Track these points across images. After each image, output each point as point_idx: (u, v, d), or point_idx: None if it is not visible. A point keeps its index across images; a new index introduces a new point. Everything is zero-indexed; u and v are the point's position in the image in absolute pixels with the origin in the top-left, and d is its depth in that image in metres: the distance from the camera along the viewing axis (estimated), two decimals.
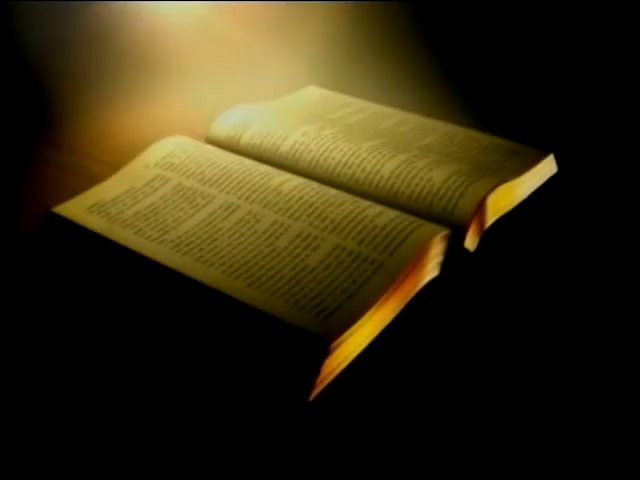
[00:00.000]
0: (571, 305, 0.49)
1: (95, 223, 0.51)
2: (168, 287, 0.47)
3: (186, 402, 0.41)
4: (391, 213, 0.50)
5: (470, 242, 0.53)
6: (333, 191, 0.53)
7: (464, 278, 0.51)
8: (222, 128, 0.64)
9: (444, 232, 0.49)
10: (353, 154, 0.58)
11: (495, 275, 0.52)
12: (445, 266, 0.51)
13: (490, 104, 0.73)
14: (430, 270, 0.50)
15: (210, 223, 0.51)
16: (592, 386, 0.43)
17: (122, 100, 0.69)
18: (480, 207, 0.53)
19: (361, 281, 0.45)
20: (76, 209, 0.53)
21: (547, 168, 0.63)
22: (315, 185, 0.54)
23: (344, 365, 0.43)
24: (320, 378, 0.41)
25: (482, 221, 0.54)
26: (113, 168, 0.58)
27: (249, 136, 0.62)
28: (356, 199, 0.52)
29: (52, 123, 0.66)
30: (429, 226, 0.49)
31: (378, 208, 0.51)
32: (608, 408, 0.41)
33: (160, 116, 0.68)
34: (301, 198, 0.52)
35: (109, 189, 0.55)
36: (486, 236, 0.55)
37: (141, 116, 0.68)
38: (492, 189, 0.54)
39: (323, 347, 0.41)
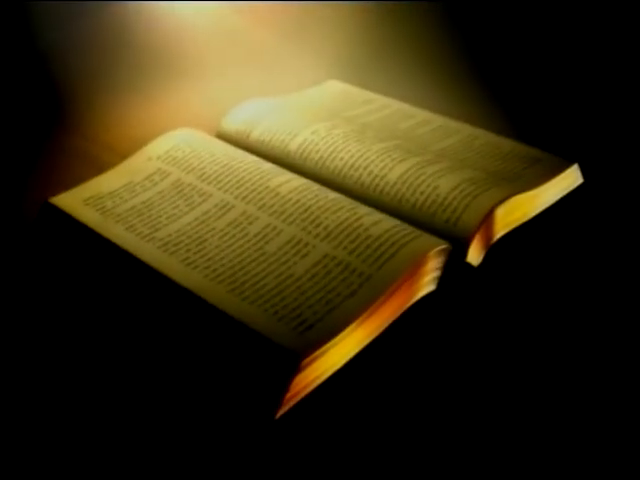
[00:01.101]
0: (582, 332, 0.46)
1: (88, 216, 0.51)
2: (150, 287, 0.46)
3: (154, 405, 0.40)
4: (388, 223, 0.48)
5: (473, 256, 0.50)
6: (333, 195, 0.51)
7: (461, 294, 0.48)
8: (233, 123, 0.62)
9: (440, 246, 0.46)
10: (361, 156, 0.56)
11: (497, 293, 0.49)
12: (444, 280, 0.48)
13: (521, 108, 0.69)
14: (425, 284, 0.47)
15: (203, 222, 0.50)
16: (594, 415, 0.40)
17: (139, 94, 0.68)
18: (487, 220, 0.50)
19: (345, 294, 0.43)
20: (72, 201, 0.52)
21: (571, 179, 0.59)
22: (316, 188, 0.52)
23: (322, 379, 0.41)
24: (290, 395, 0.39)
25: (489, 234, 0.51)
26: (122, 157, 0.58)
27: (259, 132, 0.60)
28: (355, 205, 0.50)
29: (68, 113, 0.66)
30: (425, 239, 0.47)
31: (376, 217, 0.48)
32: (607, 433, 0.39)
33: (176, 110, 0.67)
34: (298, 201, 0.50)
35: (109, 181, 0.55)
36: (494, 249, 0.52)
37: (157, 110, 0.67)
38: (502, 201, 0.51)
39: (294, 363, 0.39)
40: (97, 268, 0.48)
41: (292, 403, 0.40)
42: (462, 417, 0.40)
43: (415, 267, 0.45)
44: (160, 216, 0.51)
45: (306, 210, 0.49)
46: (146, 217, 0.51)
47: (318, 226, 0.48)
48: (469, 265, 0.50)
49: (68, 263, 0.49)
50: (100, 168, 0.57)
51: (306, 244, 0.47)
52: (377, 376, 0.43)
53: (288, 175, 0.53)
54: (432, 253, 0.46)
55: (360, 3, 0.75)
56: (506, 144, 0.61)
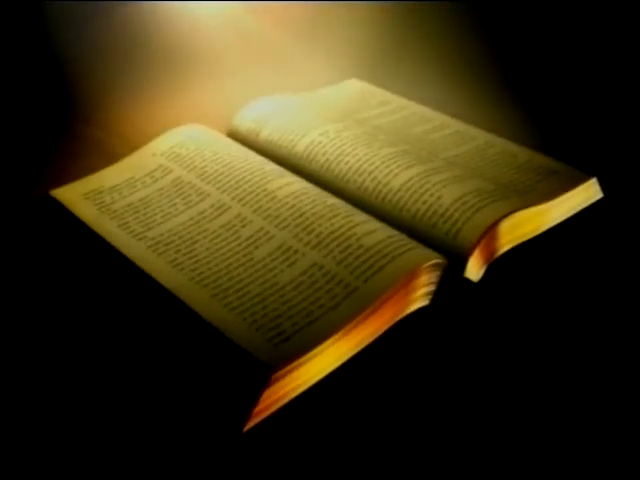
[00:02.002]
0: (587, 360, 0.44)
1: (85, 212, 0.51)
2: (136, 286, 0.45)
3: (125, 404, 0.39)
4: (383, 233, 0.46)
5: (472, 271, 0.48)
6: (331, 200, 0.50)
7: (456, 311, 0.47)
8: (243, 121, 0.61)
9: (434, 260, 0.45)
10: (367, 161, 0.54)
11: (494, 311, 0.47)
12: (439, 295, 0.47)
13: (545, 115, 0.66)
14: (416, 299, 0.46)
15: (197, 222, 0.49)
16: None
17: (152, 91, 0.68)
18: (489, 234, 0.48)
19: (328, 306, 0.42)
20: (73, 194, 0.52)
21: (589, 193, 0.56)
22: (314, 192, 0.50)
23: (299, 391, 0.40)
24: (261, 407, 0.38)
25: (491, 248, 0.49)
26: (133, 151, 0.57)
27: (268, 132, 0.59)
28: (352, 213, 0.48)
29: (83, 108, 0.66)
30: (418, 252, 0.45)
31: (371, 226, 0.47)
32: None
33: (189, 107, 0.66)
34: (294, 206, 0.49)
35: (111, 176, 0.54)
36: (498, 264, 0.50)
37: (170, 106, 0.66)
38: (507, 215, 0.49)
39: (264, 376, 0.38)
40: (88, 263, 0.48)
41: (264, 416, 0.39)
42: (449, 438, 0.38)
43: (405, 281, 0.44)
44: (155, 214, 0.50)
45: (301, 215, 0.48)
46: (141, 215, 0.50)
47: (310, 233, 0.47)
48: (468, 280, 0.48)
49: (62, 256, 0.49)
50: (109, 160, 0.57)
51: (296, 251, 0.46)
52: (361, 389, 0.41)
53: (289, 178, 0.52)
54: (424, 267, 0.44)
55: (378, 3, 0.73)
56: (523, 154, 0.58)
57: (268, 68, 0.71)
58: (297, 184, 0.51)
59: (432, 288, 0.46)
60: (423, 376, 0.42)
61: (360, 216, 0.48)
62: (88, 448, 0.37)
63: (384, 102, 0.67)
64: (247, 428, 0.38)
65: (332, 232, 0.46)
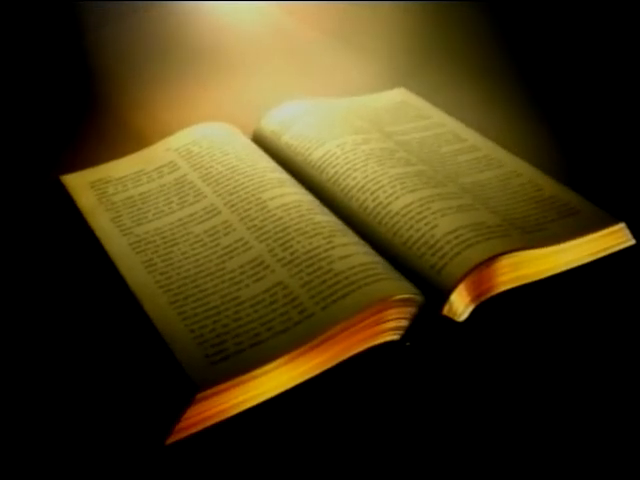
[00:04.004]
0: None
1: (84, 200, 0.52)
2: (106, 280, 0.46)
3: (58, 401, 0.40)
4: (358, 259, 0.44)
5: (457, 310, 0.45)
6: (320, 218, 0.48)
7: (429, 350, 0.44)
8: (270, 123, 0.60)
9: (402, 295, 0.42)
10: (374, 179, 0.52)
11: (473, 355, 0.44)
12: (415, 331, 0.44)
13: (587, 146, 0.61)
14: (383, 332, 0.43)
15: (184, 224, 0.49)
16: None
17: (182, 88, 0.68)
18: (479, 272, 0.45)
19: (278, 330, 0.41)
20: (81, 181, 0.54)
21: (616, 238, 0.51)
22: (306, 207, 0.49)
23: (237, 410, 0.39)
24: (186, 424, 0.38)
25: (483, 287, 0.46)
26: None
27: (289, 136, 0.58)
28: (335, 234, 0.47)
29: (107, 102, 0.67)
30: (387, 284, 0.43)
31: (349, 250, 0.45)
32: None
33: (217, 105, 0.66)
34: (280, 219, 0.48)
35: (122, 166, 0.55)
36: (494, 304, 0.46)
37: (197, 103, 0.66)
38: (501, 254, 0.46)
39: (189, 395, 0.37)
40: (71, 250, 0.49)
41: (191, 431, 0.38)
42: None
43: (369, 312, 0.42)
44: (149, 211, 0.51)
45: (283, 230, 0.47)
46: (136, 209, 0.51)
47: (286, 250, 0.45)
48: (449, 319, 0.45)
49: (53, 239, 0.50)
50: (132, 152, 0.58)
51: (267, 266, 0.45)
52: (303, 415, 0.40)
53: (287, 189, 0.51)
54: (392, 300, 0.42)
55: (420, 3, 0.69)
56: (549, 187, 0.54)
57: (300, 70, 0.69)
58: (292, 196, 0.50)
59: (403, 323, 0.44)
60: (372, 409, 0.40)
61: (342, 238, 0.46)
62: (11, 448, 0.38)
63: (422, 116, 0.64)
64: (170, 442, 0.38)
65: (308, 251, 0.45)
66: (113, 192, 0.53)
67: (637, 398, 0.41)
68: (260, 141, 0.60)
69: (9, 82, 0.66)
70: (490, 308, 0.46)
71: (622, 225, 0.51)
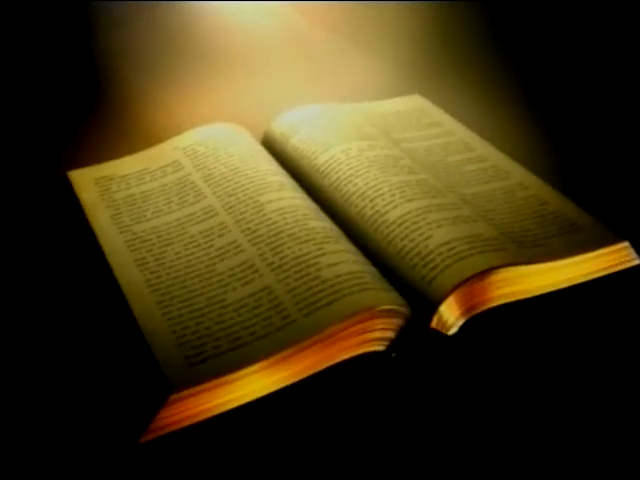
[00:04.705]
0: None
1: (87, 196, 0.52)
2: (97, 276, 0.46)
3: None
4: (346, 267, 0.44)
5: (446, 324, 0.45)
6: (314, 224, 0.48)
7: (415, 363, 0.44)
8: (280, 125, 0.60)
9: (387, 306, 0.42)
10: (374, 186, 0.52)
11: (460, 368, 0.44)
12: (401, 343, 0.44)
13: (603, 162, 0.60)
14: (367, 342, 0.43)
15: (181, 224, 0.50)
16: None
17: (196, 88, 0.69)
18: (470, 285, 0.44)
19: (259, 335, 0.41)
20: (86, 177, 0.55)
21: (620, 257, 0.50)
22: (302, 212, 0.49)
23: (215, 413, 0.39)
24: (160, 424, 0.38)
25: (475, 301, 0.46)
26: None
27: (297, 139, 0.58)
28: (327, 240, 0.46)
29: (119, 100, 0.68)
30: (372, 294, 0.42)
31: (339, 258, 0.45)
32: None
33: (234, 106, 0.66)
34: (274, 223, 0.48)
35: (128, 164, 0.56)
36: (486, 319, 0.46)
37: (210, 103, 0.67)
38: (494, 268, 0.45)
39: (164, 394, 0.38)
40: (70, 244, 0.50)
41: (170, 430, 0.39)
42: None
43: (352, 321, 0.41)
44: (148, 209, 0.51)
45: (277, 234, 0.47)
46: (136, 208, 0.51)
47: (277, 254, 0.46)
48: (438, 332, 0.45)
49: (54, 234, 0.51)
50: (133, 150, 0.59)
51: (256, 270, 0.45)
52: (284, 420, 0.40)
53: (285, 193, 0.51)
54: (377, 311, 0.42)
55: (439, 3, 0.68)
56: (556, 202, 0.53)
57: (319, 72, 0.69)
58: (289, 200, 0.50)
59: (389, 334, 0.43)
60: (353, 417, 0.40)
61: (334, 245, 0.46)
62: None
63: (435, 124, 0.63)
64: (144, 440, 0.38)
65: (297, 257, 0.45)
66: (116, 189, 0.53)
67: (632, 420, 0.40)
68: (269, 143, 0.60)
69: (23, 81, 0.67)
70: (483, 322, 0.46)
71: (626, 244, 0.50)
